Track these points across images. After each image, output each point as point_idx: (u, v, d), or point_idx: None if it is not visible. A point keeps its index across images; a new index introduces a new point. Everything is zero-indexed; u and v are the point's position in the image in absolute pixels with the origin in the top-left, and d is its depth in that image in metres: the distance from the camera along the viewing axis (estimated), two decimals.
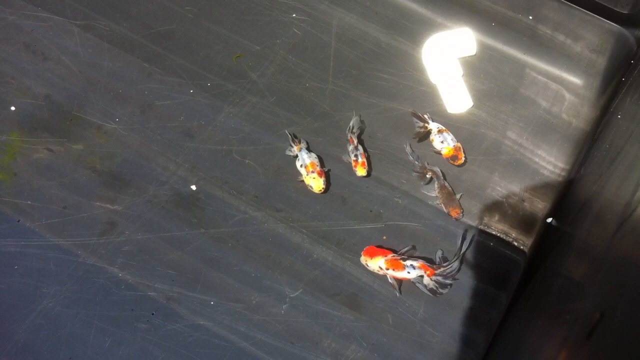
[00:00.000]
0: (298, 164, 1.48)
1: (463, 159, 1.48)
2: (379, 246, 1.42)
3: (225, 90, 1.57)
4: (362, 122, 1.54)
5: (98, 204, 1.47)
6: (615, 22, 1.63)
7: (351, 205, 1.47)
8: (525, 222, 1.47)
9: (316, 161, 1.47)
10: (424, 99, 1.57)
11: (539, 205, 1.48)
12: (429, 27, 1.63)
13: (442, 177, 1.47)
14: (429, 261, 1.40)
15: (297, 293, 1.41)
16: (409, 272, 1.36)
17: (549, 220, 1.46)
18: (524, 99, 1.57)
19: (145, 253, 1.43)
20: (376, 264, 1.37)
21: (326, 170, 1.49)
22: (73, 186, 1.49)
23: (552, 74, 1.59)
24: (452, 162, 1.48)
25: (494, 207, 1.48)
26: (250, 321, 1.39)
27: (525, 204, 1.48)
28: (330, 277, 1.42)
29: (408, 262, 1.36)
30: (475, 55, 1.60)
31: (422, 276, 1.36)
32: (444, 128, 1.50)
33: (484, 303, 1.41)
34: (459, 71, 1.58)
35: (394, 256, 1.37)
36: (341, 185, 1.49)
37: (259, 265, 1.43)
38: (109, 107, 1.56)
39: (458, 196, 1.47)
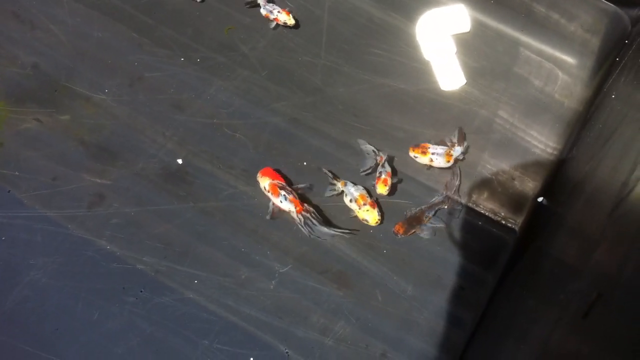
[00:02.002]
0: (347, 199, 1.43)
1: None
2: (277, 170, 1.44)
3: (215, 63, 1.56)
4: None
5: (86, 176, 1.46)
6: (609, 2, 1.61)
7: None
8: (515, 201, 1.47)
9: (364, 192, 1.42)
10: (417, 75, 1.56)
11: (530, 185, 1.48)
12: (423, 3, 1.62)
13: (432, 208, 1.44)
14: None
15: (286, 268, 1.40)
16: (281, 202, 1.38)
17: (540, 199, 1.46)
18: (517, 77, 1.56)
19: (134, 226, 1.42)
20: (263, 184, 1.41)
21: (375, 199, 1.44)
22: (61, 157, 1.47)
23: (545, 53, 1.58)
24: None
25: (484, 185, 1.48)
26: (239, 296, 1.38)
27: (516, 183, 1.48)
28: (320, 253, 1.41)
29: (283, 192, 1.37)
30: (469, 32, 1.59)
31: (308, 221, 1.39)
32: (446, 150, 1.45)
33: (472, 282, 1.41)
34: (452, 48, 1.56)
35: (275, 182, 1.39)
36: (331, 162, 1.48)
37: (248, 240, 1.42)
38: (97, 77, 1.54)
39: (422, 233, 1.43)
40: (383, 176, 1.41)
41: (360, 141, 1.48)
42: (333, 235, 1.40)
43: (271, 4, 1.56)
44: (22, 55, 1.55)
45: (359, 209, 1.40)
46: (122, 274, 1.39)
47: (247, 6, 1.59)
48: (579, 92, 1.55)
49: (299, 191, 1.43)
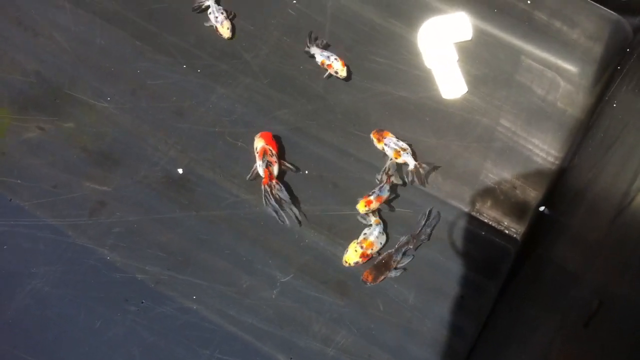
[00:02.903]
0: (365, 229, 1.42)
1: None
2: (275, 137, 1.47)
3: (218, 70, 1.56)
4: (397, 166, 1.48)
5: (88, 184, 1.46)
6: (611, 10, 1.61)
7: (343, 190, 1.47)
8: (517, 209, 1.47)
9: (377, 243, 1.40)
10: (419, 83, 1.56)
11: (532, 193, 1.48)
12: (425, 10, 1.61)
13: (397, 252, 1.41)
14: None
15: (288, 278, 1.41)
16: (259, 165, 1.42)
17: (542, 208, 1.46)
18: (519, 85, 1.56)
19: (136, 234, 1.43)
20: (257, 144, 1.45)
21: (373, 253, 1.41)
22: (63, 165, 1.47)
23: (547, 61, 1.57)
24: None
25: (486, 194, 1.48)
26: (241, 305, 1.38)
27: (518, 191, 1.48)
28: (322, 262, 1.42)
29: (265, 159, 1.41)
30: (470, 40, 1.59)
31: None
32: (397, 149, 1.45)
33: (474, 291, 1.41)
34: (454, 56, 1.56)
35: (267, 148, 1.42)
36: (333, 170, 1.48)
37: (250, 248, 1.42)
38: (100, 85, 1.54)
39: (391, 274, 1.41)
40: (371, 197, 1.40)
41: (389, 158, 1.47)
42: (285, 211, 1.43)
43: (327, 51, 1.53)
44: (24, 63, 1.56)
45: (357, 242, 1.39)
46: (123, 282, 1.39)
47: (308, 55, 1.56)
48: (581, 100, 1.54)
49: (283, 167, 1.46)
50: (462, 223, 1.46)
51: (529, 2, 1.61)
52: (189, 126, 1.51)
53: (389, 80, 1.56)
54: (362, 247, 1.38)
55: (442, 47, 1.57)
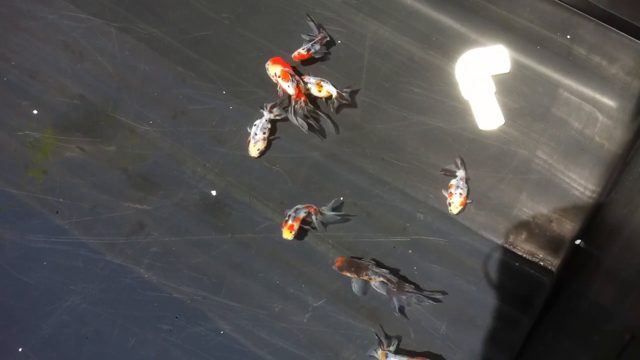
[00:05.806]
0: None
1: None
2: (297, 67, 1.57)
3: (257, 97, 1.58)
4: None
5: (127, 204, 1.49)
6: None
7: (377, 218, 1.47)
8: (552, 243, 1.46)
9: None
10: (455, 114, 1.57)
11: (567, 227, 1.47)
12: (463, 42, 1.63)
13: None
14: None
15: (320, 303, 1.41)
16: (289, 86, 1.47)
17: (577, 242, 1.45)
18: (556, 119, 1.56)
19: (172, 255, 1.45)
20: (274, 70, 1.51)
21: None
22: (103, 186, 1.51)
23: (585, 95, 1.57)
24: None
25: (521, 226, 1.48)
26: (272, 328, 1.39)
27: (553, 225, 1.47)
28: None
29: (293, 79, 1.48)
30: (508, 73, 1.59)
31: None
32: (317, 80, 1.54)
33: (507, 323, 1.40)
34: (491, 88, 1.57)
35: (283, 69, 1.49)
36: (367, 198, 1.49)
37: (283, 273, 1.44)
38: (142, 109, 1.57)
39: (353, 283, 1.41)
40: (290, 222, 1.41)
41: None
42: (306, 128, 1.51)
43: (463, 182, 1.47)
44: (70, 86, 1.60)
45: None
46: (158, 302, 1.41)
47: (443, 173, 1.52)
48: (619, 135, 1.54)
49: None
50: (496, 255, 1.45)
51: (568, 36, 1.62)
52: (227, 151, 1.54)
53: (426, 110, 1.57)
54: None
55: (479, 79, 1.58)
